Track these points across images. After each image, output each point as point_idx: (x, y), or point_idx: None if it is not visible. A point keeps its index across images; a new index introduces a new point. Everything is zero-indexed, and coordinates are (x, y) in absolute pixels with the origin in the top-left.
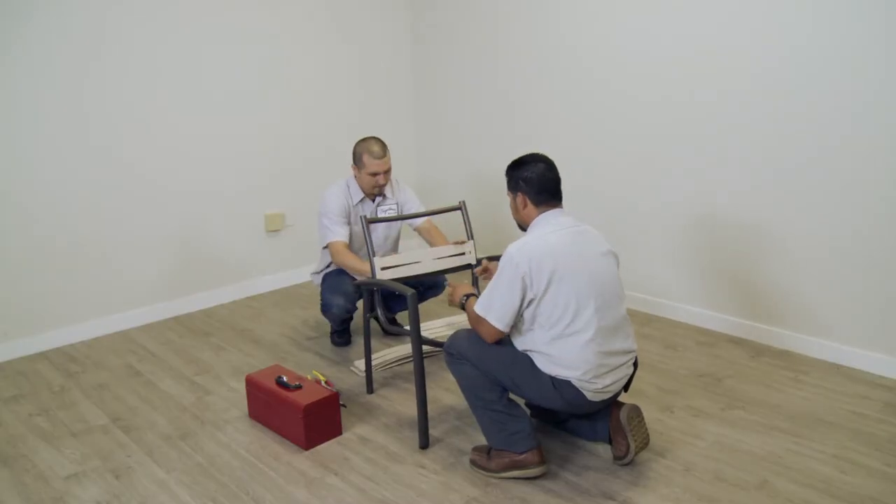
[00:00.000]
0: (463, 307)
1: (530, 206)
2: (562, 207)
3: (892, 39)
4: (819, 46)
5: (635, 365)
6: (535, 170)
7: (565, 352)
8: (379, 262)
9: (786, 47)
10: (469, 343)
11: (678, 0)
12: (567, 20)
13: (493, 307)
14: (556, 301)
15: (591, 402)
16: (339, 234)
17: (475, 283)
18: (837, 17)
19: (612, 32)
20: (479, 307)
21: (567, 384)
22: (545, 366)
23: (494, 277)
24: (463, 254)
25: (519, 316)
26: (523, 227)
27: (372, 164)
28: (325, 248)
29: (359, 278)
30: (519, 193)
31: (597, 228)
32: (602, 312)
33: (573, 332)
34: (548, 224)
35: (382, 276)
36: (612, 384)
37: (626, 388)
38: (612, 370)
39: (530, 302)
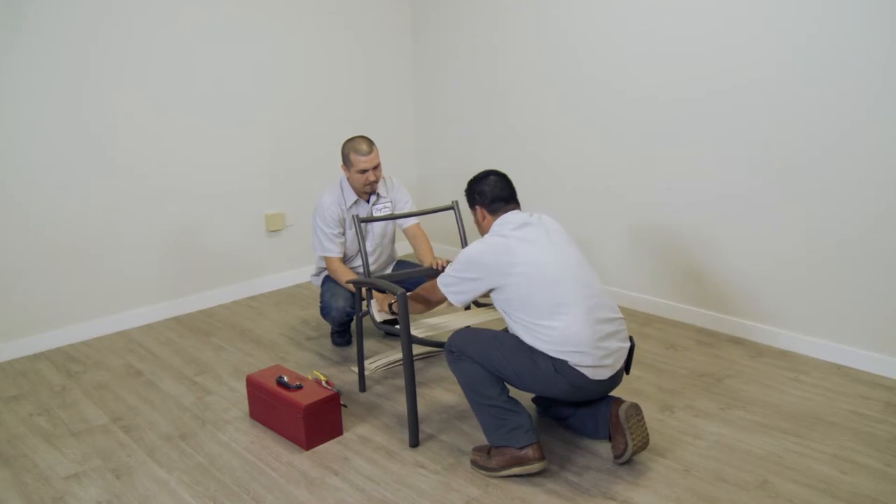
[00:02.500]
0: (391, 308)
1: (488, 217)
2: (518, 209)
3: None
4: (820, 47)
5: (632, 341)
6: (487, 182)
7: (558, 329)
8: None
9: (787, 48)
10: (470, 340)
11: (678, 1)
12: (567, 20)
13: (447, 282)
14: (529, 285)
15: (592, 381)
16: (331, 251)
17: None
18: (840, 17)
19: (613, 33)
20: (441, 283)
21: (565, 365)
22: (543, 347)
23: (456, 266)
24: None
25: (488, 298)
26: None
27: (360, 161)
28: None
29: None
30: (477, 207)
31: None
32: (580, 285)
33: (558, 307)
34: (503, 224)
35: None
36: (608, 356)
37: (627, 369)
38: (605, 337)
39: (494, 290)
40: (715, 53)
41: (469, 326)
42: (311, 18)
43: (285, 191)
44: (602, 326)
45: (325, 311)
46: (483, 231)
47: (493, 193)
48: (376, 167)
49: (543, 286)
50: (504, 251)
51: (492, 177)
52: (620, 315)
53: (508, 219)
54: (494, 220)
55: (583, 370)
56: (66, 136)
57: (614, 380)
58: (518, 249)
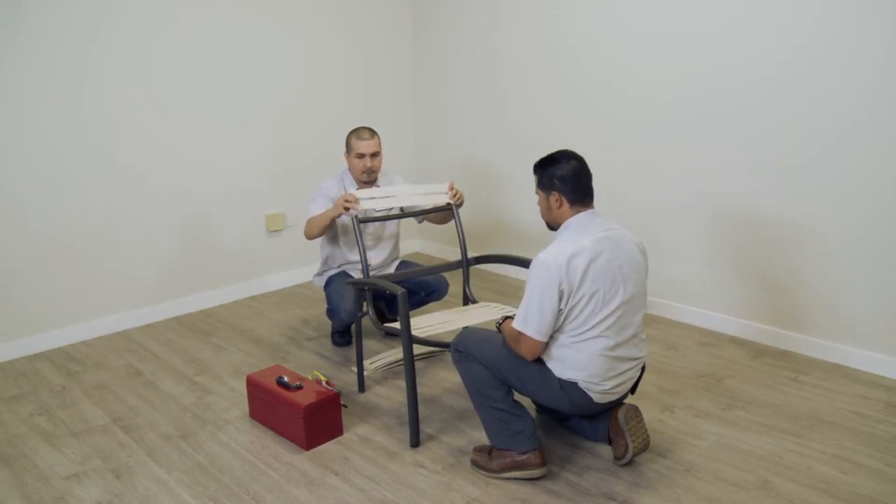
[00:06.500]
0: (499, 328)
1: (566, 206)
2: (594, 208)
3: None
4: (820, 47)
5: (642, 368)
6: (569, 167)
7: (578, 355)
8: (359, 194)
9: (787, 48)
10: (477, 341)
11: (678, 1)
12: (567, 20)
13: (530, 319)
14: (585, 308)
15: (596, 403)
16: (322, 207)
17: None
18: (840, 17)
19: (613, 33)
20: (515, 322)
21: (574, 386)
22: (555, 367)
23: (527, 289)
24: (450, 203)
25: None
26: (553, 227)
27: (359, 145)
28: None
29: (353, 274)
30: (553, 192)
31: None
32: (624, 321)
33: (591, 338)
34: (581, 228)
35: (363, 204)
36: (618, 386)
37: (632, 390)
38: (619, 374)
39: (562, 309)
40: (715, 53)
41: (468, 327)
42: (311, 18)
43: (285, 191)
44: (621, 364)
45: (333, 313)
46: (554, 220)
47: (575, 181)
48: (374, 154)
49: (589, 316)
50: (574, 263)
51: (573, 162)
52: (644, 354)
53: (591, 223)
54: (573, 213)
55: (591, 394)
56: (66, 136)
57: (617, 400)
58: (588, 272)
